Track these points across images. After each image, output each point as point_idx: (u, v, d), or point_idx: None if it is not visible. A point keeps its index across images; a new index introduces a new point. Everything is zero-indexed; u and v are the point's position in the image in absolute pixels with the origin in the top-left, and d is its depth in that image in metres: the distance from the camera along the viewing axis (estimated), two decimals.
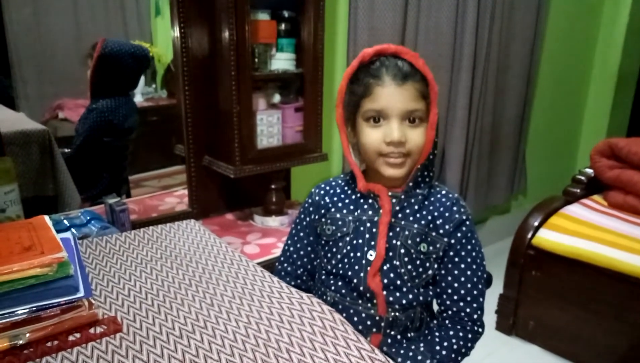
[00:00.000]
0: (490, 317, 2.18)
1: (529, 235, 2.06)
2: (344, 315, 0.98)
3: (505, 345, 2.13)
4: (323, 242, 1.05)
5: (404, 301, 0.97)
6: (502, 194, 2.92)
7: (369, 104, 0.94)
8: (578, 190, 2.31)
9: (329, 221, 1.04)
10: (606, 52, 3.26)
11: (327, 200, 1.06)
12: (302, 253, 1.09)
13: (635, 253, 1.81)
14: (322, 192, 1.08)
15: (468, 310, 0.98)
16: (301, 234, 1.10)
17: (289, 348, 0.75)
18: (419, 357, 0.94)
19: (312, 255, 1.09)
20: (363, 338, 0.77)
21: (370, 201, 1.01)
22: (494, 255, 2.34)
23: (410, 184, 0.98)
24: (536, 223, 2.08)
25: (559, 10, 2.88)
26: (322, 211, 1.06)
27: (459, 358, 0.97)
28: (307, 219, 1.09)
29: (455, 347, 0.96)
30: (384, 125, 0.94)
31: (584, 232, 1.98)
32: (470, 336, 0.98)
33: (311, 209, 1.08)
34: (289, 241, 1.12)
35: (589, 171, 2.33)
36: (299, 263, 1.09)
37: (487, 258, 1.05)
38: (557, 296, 2.03)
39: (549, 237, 2.02)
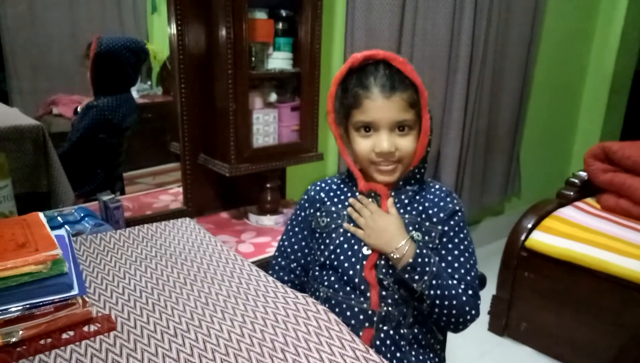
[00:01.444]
0: (482, 318, 2.19)
1: (522, 237, 2.08)
2: (337, 310, 1.00)
3: (497, 346, 2.14)
4: (317, 235, 1.06)
5: (396, 296, 0.98)
6: (496, 196, 2.94)
7: (358, 116, 0.97)
8: (571, 193, 2.32)
9: (323, 213, 1.06)
10: (601, 55, 3.28)
11: (323, 195, 1.09)
12: (296, 247, 1.11)
13: (627, 256, 1.83)
14: (317, 188, 1.11)
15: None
16: (296, 229, 1.11)
17: (284, 348, 0.75)
18: (428, 251, 0.96)
19: (306, 250, 1.10)
20: (358, 339, 0.77)
21: (370, 200, 1.03)
22: (487, 256, 2.36)
23: (401, 183, 1.02)
24: (529, 225, 2.09)
25: (555, 13, 2.90)
26: (317, 205, 1.08)
27: (445, 303, 0.95)
28: (302, 214, 1.11)
29: (453, 290, 0.95)
30: (374, 135, 0.97)
31: (576, 235, 1.99)
32: (467, 308, 0.97)
33: (306, 205, 1.11)
34: (284, 237, 1.14)
35: (583, 174, 2.35)
36: (292, 257, 1.11)
37: (480, 259, 1.06)
38: (549, 298, 2.04)
39: (542, 239, 2.03)
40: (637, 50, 3.40)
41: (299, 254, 1.10)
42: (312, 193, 1.10)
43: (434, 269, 0.94)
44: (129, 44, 1.70)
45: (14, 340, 0.71)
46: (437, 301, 0.95)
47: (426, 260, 0.94)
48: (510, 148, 2.91)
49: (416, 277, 0.94)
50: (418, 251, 0.94)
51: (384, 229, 0.97)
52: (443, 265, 1.00)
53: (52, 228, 0.91)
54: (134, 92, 1.81)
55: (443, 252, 1.01)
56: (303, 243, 1.10)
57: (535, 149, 3.20)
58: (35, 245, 0.77)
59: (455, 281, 0.98)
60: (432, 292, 0.94)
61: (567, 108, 3.37)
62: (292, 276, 1.11)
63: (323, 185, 1.11)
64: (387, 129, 0.96)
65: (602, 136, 3.36)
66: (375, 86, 0.95)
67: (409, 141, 0.98)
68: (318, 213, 1.07)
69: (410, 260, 0.93)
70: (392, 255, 0.95)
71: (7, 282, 0.71)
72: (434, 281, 0.94)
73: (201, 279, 0.94)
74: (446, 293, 0.95)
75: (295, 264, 1.11)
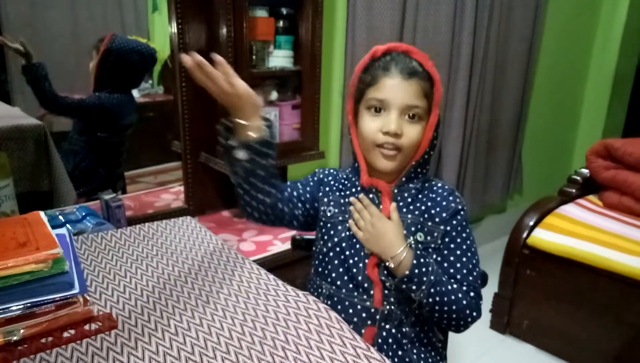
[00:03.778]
0: (484, 316, 2.17)
1: (524, 235, 2.07)
2: (339, 307, 0.99)
3: (499, 344, 2.14)
4: (322, 223, 1.06)
5: (400, 295, 0.98)
6: (498, 194, 2.93)
7: (373, 93, 0.97)
8: (573, 190, 2.32)
9: (332, 202, 1.06)
10: (603, 52, 3.27)
11: (331, 180, 1.09)
12: (298, 188, 1.08)
13: (630, 253, 1.82)
14: (326, 172, 1.11)
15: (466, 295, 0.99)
16: (304, 182, 1.10)
17: (285, 346, 0.75)
18: (426, 259, 0.95)
19: (308, 194, 1.08)
20: (359, 336, 0.77)
21: (371, 196, 1.02)
22: (489, 254, 2.35)
23: (403, 179, 1.01)
24: (531, 223, 2.09)
25: (557, 11, 2.89)
26: (327, 189, 1.08)
27: (445, 308, 0.95)
28: (313, 179, 1.10)
29: (452, 295, 0.95)
30: (384, 116, 0.97)
31: (579, 232, 1.99)
32: (468, 311, 0.97)
33: (315, 179, 1.10)
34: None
35: (585, 171, 2.34)
36: (291, 188, 1.08)
37: (482, 257, 1.06)
38: (551, 295, 2.03)
39: (544, 237, 2.02)
40: None
41: (301, 190, 1.08)
42: (321, 176, 1.10)
43: (432, 277, 0.93)
44: (141, 48, 1.71)
45: (15, 338, 0.71)
46: (437, 307, 0.94)
47: (424, 269, 0.93)
48: (512, 145, 2.90)
49: (414, 287, 0.93)
50: (415, 261, 0.93)
51: (382, 235, 0.96)
52: (445, 265, 0.99)
53: (54, 227, 0.91)
54: (135, 92, 1.81)
55: (445, 252, 1.00)
56: (308, 188, 1.08)
57: (537, 146, 3.19)
58: (36, 244, 0.77)
59: (455, 285, 0.97)
60: (430, 300, 0.94)
61: (569, 105, 3.37)
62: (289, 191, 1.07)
63: (332, 171, 1.11)
64: (398, 111, 0.95)
65: (604, 133, 3.35)
66: (396, 67, 0.96)
67: (416, 131, 0.97)
68: (326, 199, 1.06)
69: (407, 272, 0.92)
70: (388, 263, 0.95)
71: (8, 281, 0.72)
72: (432, 290, 0.93)
73: (202, 278, 0.94)
74: (445, 299, 0.94)
75: (289, 190, 1.08)
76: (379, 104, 0.97)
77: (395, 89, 0.95)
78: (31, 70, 1.48)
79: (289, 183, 1.10)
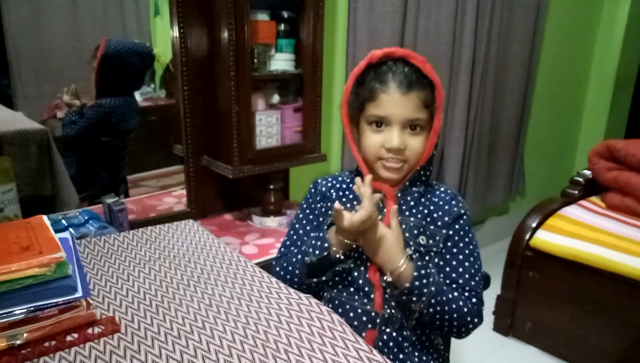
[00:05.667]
0: (487, 318, 2.19)
1: (527, 236, 2.07)
2: (340, 310, 0.99)
3: (502, 346, 2.14)
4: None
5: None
6: (501, 195, 2.93)
7: (372, 109, 0.96)
8: (576, 191, 2.31)
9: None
10: (605, 53, 3.27)
11: (333, 192, 1.07)
12: (311, 235, 1.08)
13: (632, 254, 1.82)
14: (328, 184, 1.09)
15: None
16: (310, 217, 1.09)
17: (287, 349, 0.75)
18: (427, 270, 0.94)
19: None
20: (361, 339, 0.77)
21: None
22: (491, 256, 2.35)
23: (407, 183, 1.01)
24: (534, 224, 2.09)
25: (558, 11, 2.89)
26: (328, 203, 1.06)
27: (446, 317, 0.94)
28: (313, 205, 1.09)
29: (453, 304, 0.94)
30: (386, 131, 0.96)
31: (581, 233, 1.98)
32: (469, 318, 0.97)
33: (317, 198, 1.09)
34: (295, 222, 1.11)
35: (587, 172, 2.34)
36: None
37: (485, 259, 1.06)
38: (554, 297, 2.03)
39: (547, 238, 2.02)
40: None
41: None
42: (323, 189, 1.09)
43: (433, 289, 0.92)
44: (137, 48, 1.71)
45: (18, 342, 0.72)
46: (437, 316, 0.94)
47: (424, 281, 0.92)
48: (514, 146, 2.90)
49: (414, 299, 0.93)
50: (416, 273, 0.92)
51: (381, 248, 0.95)
52: (447, 269, 0.99)
53: (57, 231, 0.91)
54: (138, 96, 1.82)
55: (448, 256, 1.00)
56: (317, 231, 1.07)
57: (539, 147, 3.19)
58: (39, 248, 0.77)
59: (457, 292, 0.97)
60: (431, 310, 0.93)
61: (571, 106, 3.36)
62: None
63: (333, 181, 1.09)
64: (399, 126, 0.95)
65: (606, 134, 3.34)
66: (393, 81, 0.94)
67: (419, 142, 0.97)
68: (330, 212, 1.05)
69: (407, 285, 0.92)
70: (387, 277, 0.94)
71: (11, 285, 0.72)
72: (432, 300, 0.93)
73: (205, 281, 0.94)
74: (446, 308, 0.94)
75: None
76: (380, 120, 0.96)
77: (394, 105, 0.94)
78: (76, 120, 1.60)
79: (301, 238, 1.08)
